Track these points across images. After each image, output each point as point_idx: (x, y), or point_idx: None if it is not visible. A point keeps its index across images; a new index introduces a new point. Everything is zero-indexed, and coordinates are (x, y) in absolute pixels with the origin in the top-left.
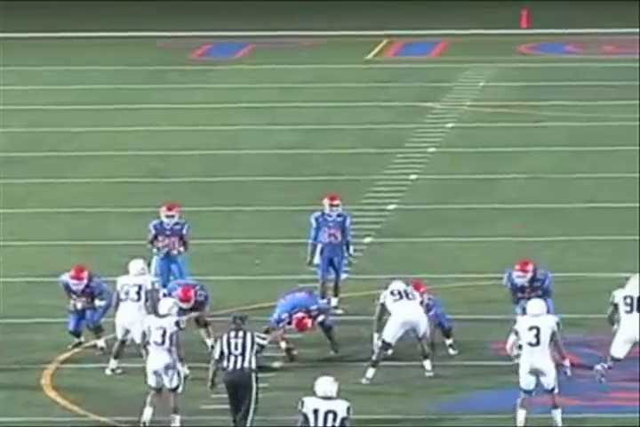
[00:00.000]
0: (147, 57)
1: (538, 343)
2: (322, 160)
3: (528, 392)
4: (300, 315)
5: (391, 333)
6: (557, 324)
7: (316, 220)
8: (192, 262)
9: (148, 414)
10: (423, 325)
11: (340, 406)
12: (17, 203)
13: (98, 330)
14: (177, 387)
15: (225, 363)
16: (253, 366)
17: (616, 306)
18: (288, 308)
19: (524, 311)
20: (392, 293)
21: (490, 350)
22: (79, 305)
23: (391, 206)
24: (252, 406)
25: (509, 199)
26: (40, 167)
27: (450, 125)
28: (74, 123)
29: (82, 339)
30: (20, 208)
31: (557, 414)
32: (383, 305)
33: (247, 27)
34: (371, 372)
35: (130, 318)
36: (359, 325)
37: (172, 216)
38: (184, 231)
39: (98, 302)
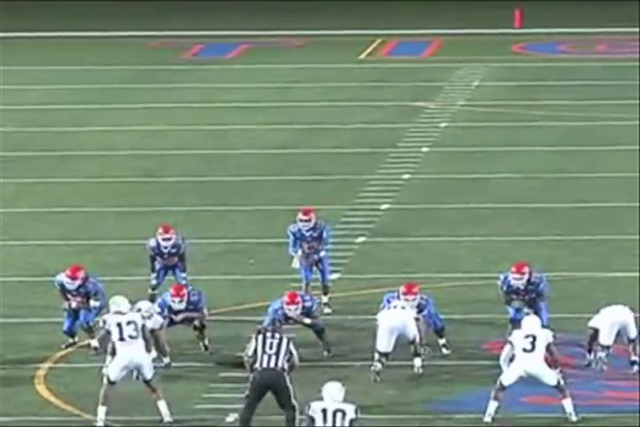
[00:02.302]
0: (139, 57)
1: (533, 350)
2: (314, 160)
3: (504, 388)
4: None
5: (382, 342)
6: (554, 337)
7: (293, 234)
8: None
9: (103, 412)
10: (411, 328)
11: (349, 408)
12: (8, 202)
13: (91, 330)
14: (152, 377)
15: (257, 362)
16: (285, 366)
17: None
18: (279, 304)
19: (517, 312)
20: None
21: (482, 349)
22: (74, 305)
23: (384, 206)
24: (296, 404)
25: (502, 199)
26: (31, 167)
27: (443, 125)
28: (65, 122)
29: (76, 339)
30: (12, 208)
31: (568, 405)
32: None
33: (239, 26)
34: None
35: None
36: (352, 325)
37: (169, 239)
38: (181, 251)
39: (92, 303)
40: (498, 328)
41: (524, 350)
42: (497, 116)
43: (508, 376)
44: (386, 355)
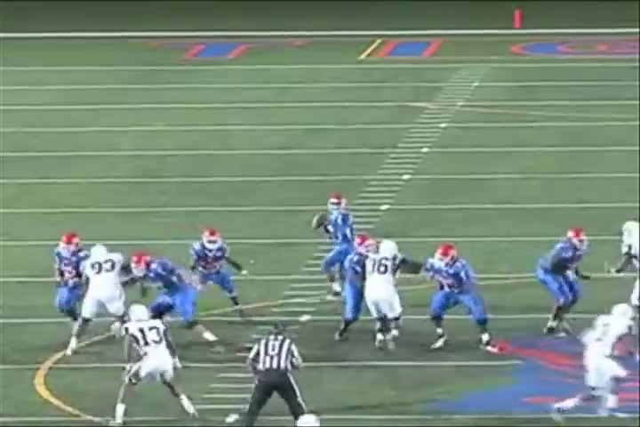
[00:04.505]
0: (139, 57)
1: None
2: (315, 160)
3: (595, 389)
4: None
5: (373, 309)
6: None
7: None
8: (185, 262)
9: (122, 410)
10: (388, 303)
11: None
12: (8, 203)
13: (71, 312)
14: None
15: (260, 363)
16: (289, 366)
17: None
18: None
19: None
20: (373, 262)
21: (483, 350)
22: (70, 282)
23: (384, 206)
24: (302, 402)
25: (502, 199)
26: (31, 167)
27: (443, 125)
28: (66, 123)
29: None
30: (12, 208)
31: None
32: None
33: (240, 27)
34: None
35: (105, 292)
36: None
37: (215, 241)
38: (226, 255)
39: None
40: (498, 328)
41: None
42: (497, 117)
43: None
44: (381, 319)
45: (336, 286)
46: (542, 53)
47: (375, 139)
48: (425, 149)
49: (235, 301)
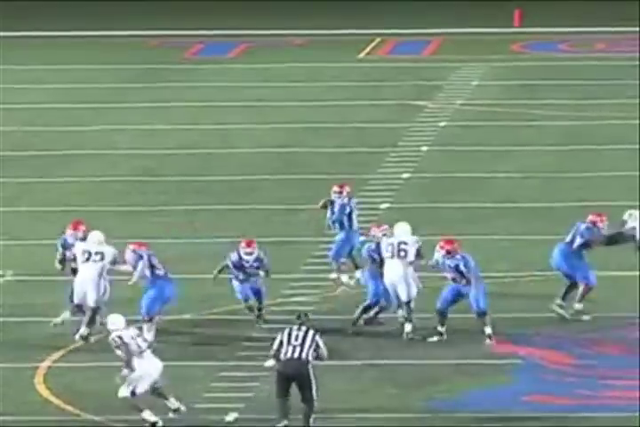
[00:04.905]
0: (140, 56)
1: None
2: (315, 159)
3: None
4: None
5: (392, 295)
6: None
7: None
8: (185, 261)
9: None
10: (407, 287)
11: None
12: (8, 202)
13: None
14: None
15: (282, 353)
16: (310, 358)
17: None
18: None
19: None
20: (389, 246)
21: (482, 348)
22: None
23: (384, 205)
24: (315, 396)
25: (502, 198)
26: (31, 167)
27: (442, 124)
28: (66, 122)
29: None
30: (12, 207)
31: None
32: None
33: (239, 26)
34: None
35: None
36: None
37: (251, 253)
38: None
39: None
40: (498, 327)
41: None
42: (497, 116)
43: None
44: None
45: (357, 273)
46: (542, 52)
47: (375, 137)
48: (425, 148)
49: (260, 315)
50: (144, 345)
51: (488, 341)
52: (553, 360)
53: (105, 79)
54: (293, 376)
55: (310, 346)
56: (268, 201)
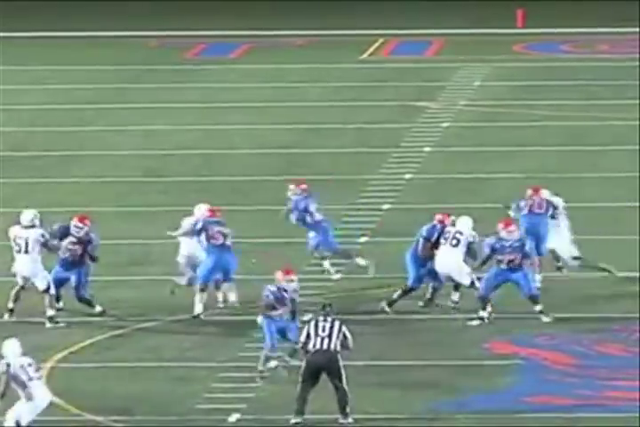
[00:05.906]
0: (141, 57)
1: None
2: (317, 160)
3: None
4: None
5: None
6: None
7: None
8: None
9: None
10: (457, 273)
11: None
12: (8, 203)
13: (90, 302)
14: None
15: (310, 345)
16: (339, 348)
17: None
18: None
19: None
20: (447, 235)
21: (483, 349)
22: (70, 258)
23: (386, 206)
24: (346, 386)
25: (505, 199)
26: (31, 167)
27: (445, 125)
28: (66, 122)
29: (60, 304)
30: (11, 208)
31: None
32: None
33: (241, 26)
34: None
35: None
36: (355, 324)
37: (292, 280)
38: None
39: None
40: (499, 328)
41: None
42: (499, 116)
43: None
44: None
45: (325, 264)
46: (544, 53)
47: (377, 138)
48: (427, 149)
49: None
50: (35, 376)
51: (543, 317)
52: (554, 361)
53: (106, 79)
54: (324, 367)
55: (337, 337)
56: (269, 202)
